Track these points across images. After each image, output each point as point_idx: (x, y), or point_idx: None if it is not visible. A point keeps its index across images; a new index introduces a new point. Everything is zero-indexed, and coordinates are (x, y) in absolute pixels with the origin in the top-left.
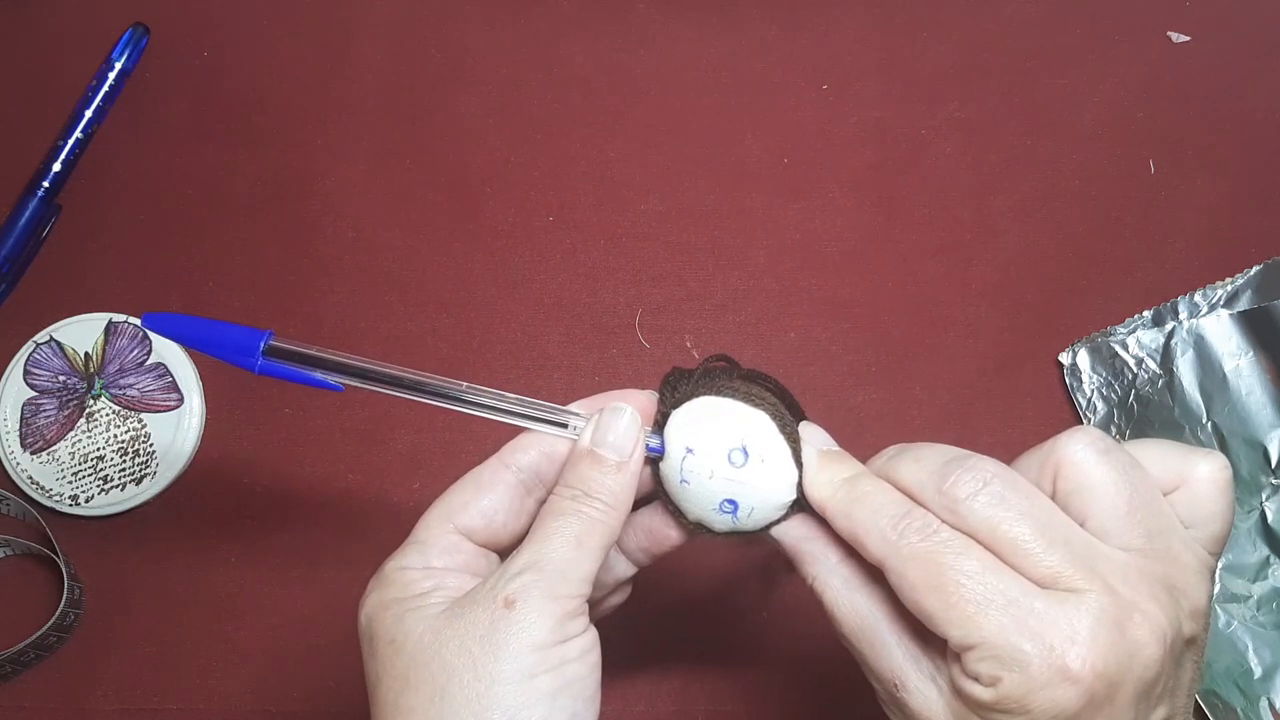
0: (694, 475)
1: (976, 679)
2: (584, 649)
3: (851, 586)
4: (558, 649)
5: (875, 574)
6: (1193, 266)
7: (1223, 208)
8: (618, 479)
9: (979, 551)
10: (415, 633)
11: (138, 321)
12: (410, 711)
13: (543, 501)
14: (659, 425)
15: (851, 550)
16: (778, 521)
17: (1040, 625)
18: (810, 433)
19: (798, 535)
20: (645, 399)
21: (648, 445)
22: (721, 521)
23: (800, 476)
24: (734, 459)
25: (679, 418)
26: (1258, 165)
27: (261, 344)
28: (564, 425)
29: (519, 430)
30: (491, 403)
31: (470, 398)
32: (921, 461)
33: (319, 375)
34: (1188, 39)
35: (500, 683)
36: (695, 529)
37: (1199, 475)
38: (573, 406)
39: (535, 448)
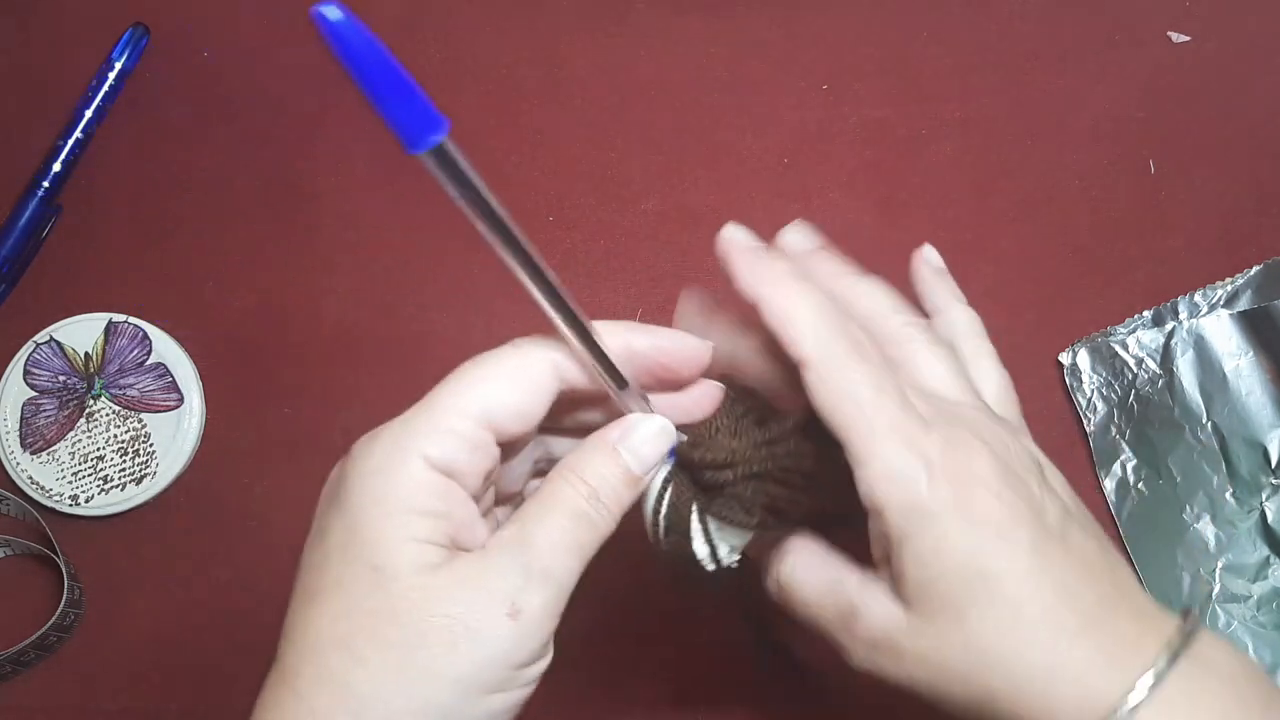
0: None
1: (883, 538)
2: (542, 670)
3: (801, 563)
4: (526, 670)
5: (822, 547)
6: (1193, 266)
7: (1223, 208)
8: (627, 493)
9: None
10: (403, 581)
11: (138, 321)
12: (363, 664)
13: (553, 399)
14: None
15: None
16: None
17: (915, 441)
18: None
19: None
20: (704, 354)
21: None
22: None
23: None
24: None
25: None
26: (1258, 165)
27: (436, 138)
28: (622, 387)
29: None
30: (575, 310)
31: (570, 300)
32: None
33: (454, 189)
34: (1188, 39)
35: (464, 690)
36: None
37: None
38: (621, 330)
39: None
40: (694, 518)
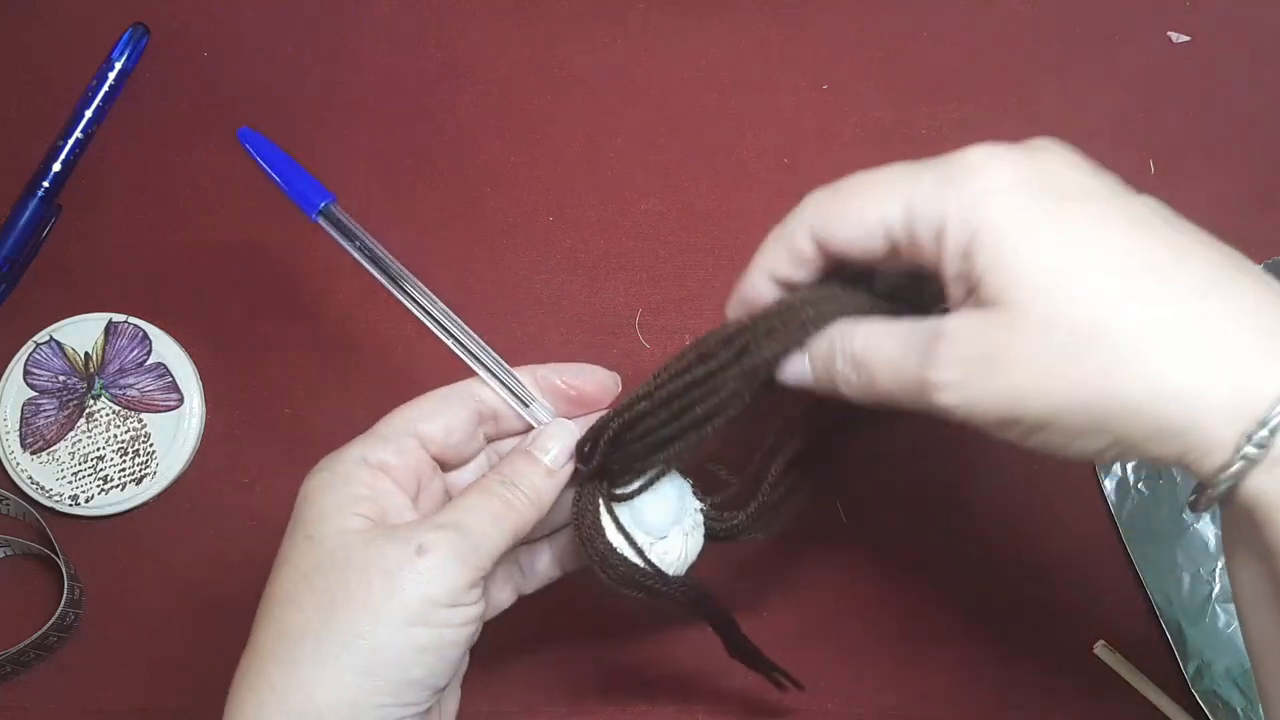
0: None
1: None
2: (467, 619)
3: (872, 333)
4: (445, 610)
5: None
6: None
7: (1223, 208)
8: (545, 482)
9: None
10: (330, 541)
11: (138, 321)
12: (298, 609)
13: (491, 439)
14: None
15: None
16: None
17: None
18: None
19: (804, 372)
20: (610, 383)
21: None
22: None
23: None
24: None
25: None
26: (1258, 166)
27: (321, 204)
28: (526, 405)
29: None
30: (477, 351)
31: (462, 337)
32: None
33: (354, 250)
34: (1188, 39)
35: (383, 622)
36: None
37: None
38: (542, 371)
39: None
40: (601, 507)
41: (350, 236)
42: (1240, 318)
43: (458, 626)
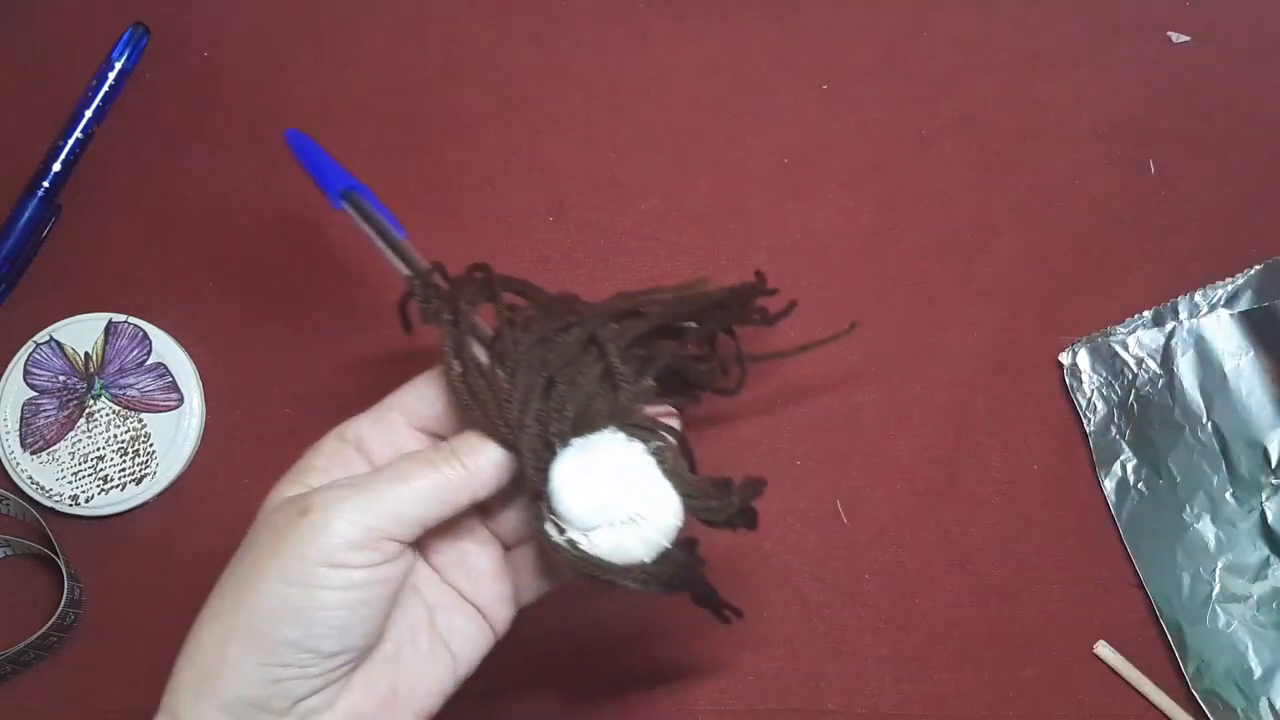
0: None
1: None
2: (349, 582)
3: None
4: (322, 570)
5: None
6: (1193, 266)
7: (1223, 208)
8: (494, 453)
9: None
10: (265, 509)
11: (138, 321)
12: (225, 570)
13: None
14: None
15: None
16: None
17: None
18: None
19: None
20: None
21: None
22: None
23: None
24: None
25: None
26: (1258, 165)
27: (343, 187)
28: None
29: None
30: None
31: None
32: None
33: (379, 240)
34: (1188, 39)
35: (263, 580)
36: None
37: None
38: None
39: None
40: (541, 506)
41: (373, 224)
42: None
43: (339, 589)
